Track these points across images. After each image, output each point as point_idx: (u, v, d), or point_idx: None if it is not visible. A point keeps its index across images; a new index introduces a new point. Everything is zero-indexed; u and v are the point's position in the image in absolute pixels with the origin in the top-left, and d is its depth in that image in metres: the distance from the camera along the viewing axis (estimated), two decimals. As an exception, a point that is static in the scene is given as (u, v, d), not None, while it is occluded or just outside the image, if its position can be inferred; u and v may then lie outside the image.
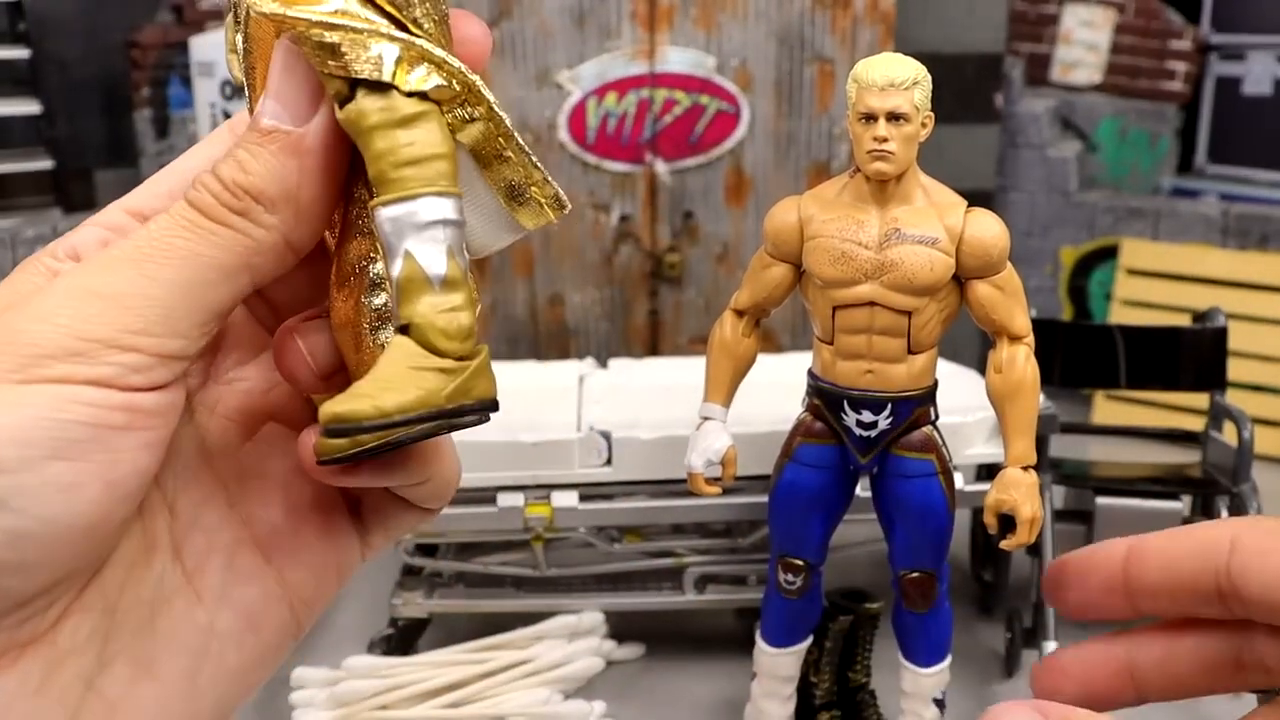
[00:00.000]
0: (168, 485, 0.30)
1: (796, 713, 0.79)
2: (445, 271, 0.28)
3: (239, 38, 0.31)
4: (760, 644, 0.76)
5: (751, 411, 0.82)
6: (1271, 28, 1.85)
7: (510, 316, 1.47)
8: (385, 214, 0.28)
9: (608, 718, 0.83)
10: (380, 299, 0.29)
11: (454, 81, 0.29)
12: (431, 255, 0.28)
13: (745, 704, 0.80)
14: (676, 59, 1.42)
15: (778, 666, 0.76)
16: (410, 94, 0.28)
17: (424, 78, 0.28)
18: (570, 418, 0.91)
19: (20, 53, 1.65)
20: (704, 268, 1.50)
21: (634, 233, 1.48)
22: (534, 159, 0.30)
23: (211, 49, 1.43)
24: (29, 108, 1.66)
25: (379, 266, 0.29)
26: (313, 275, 0.32)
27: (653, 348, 1.52)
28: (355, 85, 0.28)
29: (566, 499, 0.87)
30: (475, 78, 0.29)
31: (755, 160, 1.47)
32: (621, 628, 0.93)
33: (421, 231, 0.28)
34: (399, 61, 0.28)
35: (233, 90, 1.41)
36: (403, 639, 0.92)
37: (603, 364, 1.07)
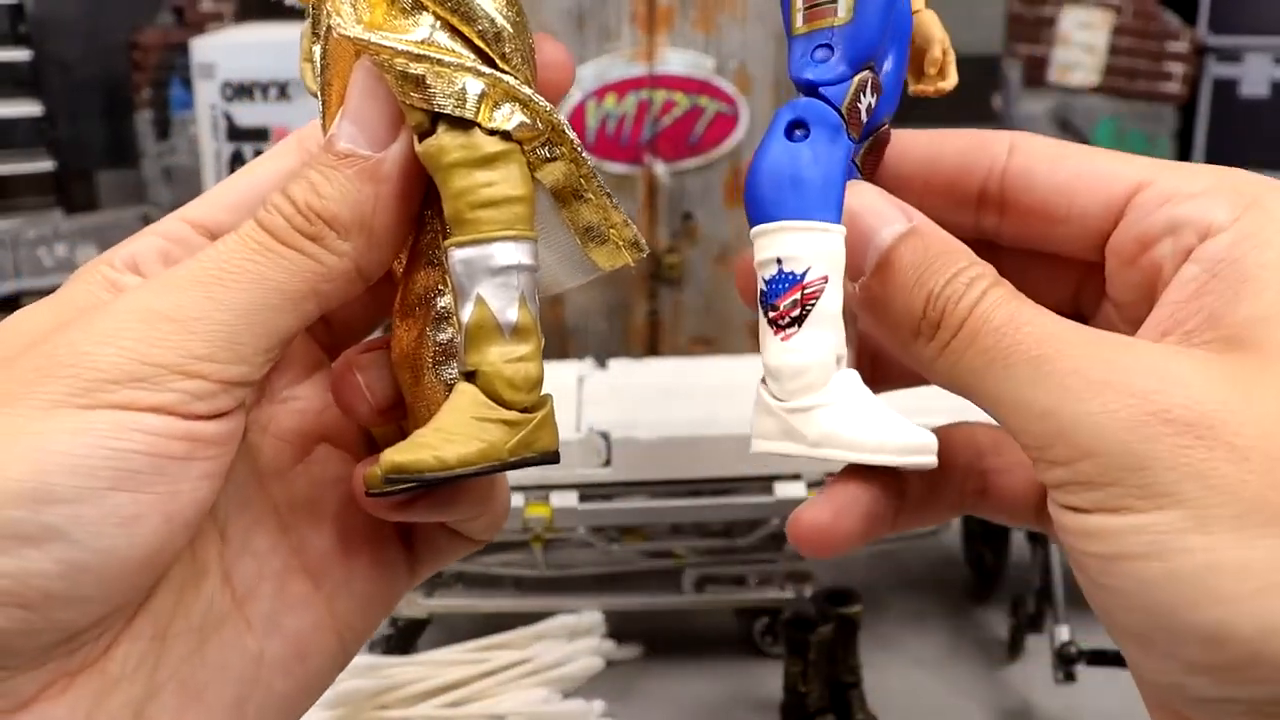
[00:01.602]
0: (219, 509, 0.29)
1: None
2: (516, 319, 0.28)
3: (317, 50, 0.29)
4: None
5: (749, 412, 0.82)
6: (1268, 29, 1.85)
7: (510, 317, 1.47)
8: (459, 255, 0.27)
9: (607, 717, 0.84)
10: (446, 334, 0.29)
11: (538, 121, 0.28)
12: (503, 301, 0.27)
13: (744, 704, 0.80)
14: (675, 60, 1.42)
15: None
16: (492, 132, 0.27)
17: (508, 116, 0.27)
18: (569, 418, 0.91)
19: (22, 54, 1.65)
20: (703, 268, 1.51)
21: (633, 234, 1.48)
22: (614, 200, 0.29)
23: (212, 50, 1.44)
24: (31, 109, 1.67)
25: (446, 299, 0.28)
26: (372, 294, 0.31)
27: (652, 348, 1.52)
28: (437, 119, 0.27)
29: (566, 499, 0.88)
30: (560, 117, 0.28)
31: (754, 162, 1.47)
32: (621, 627, 0.93)
33: (495, 276, 0.27)
34: (483, 98, 0.27)
35: (234, 92, 1.41)
36: (403, 639, 0.93)
37: (602, 364, 1.07)
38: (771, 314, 0.29)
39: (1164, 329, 0.27)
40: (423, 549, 0.34)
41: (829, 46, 0.30)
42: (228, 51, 1.42)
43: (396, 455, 0.26)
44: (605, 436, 0.88)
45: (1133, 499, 0.24)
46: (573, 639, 0.90)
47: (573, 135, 0.28)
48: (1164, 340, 0.27)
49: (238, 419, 0.27)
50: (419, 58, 0.27)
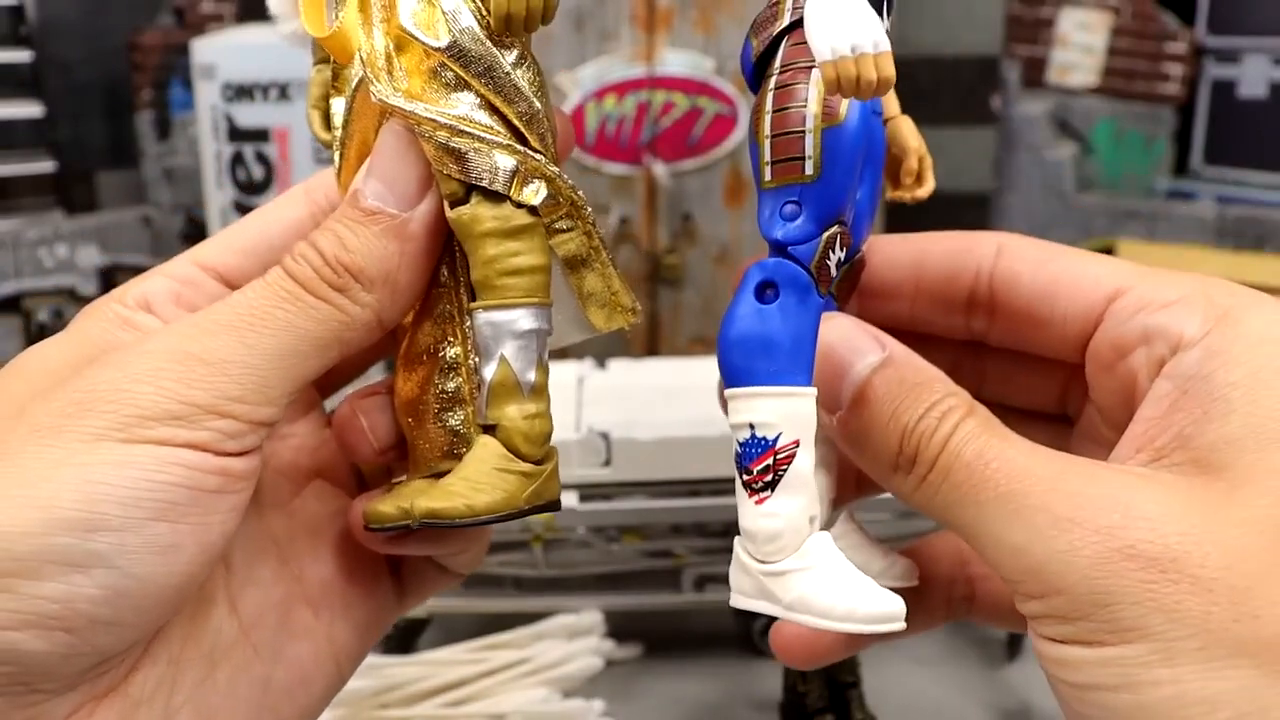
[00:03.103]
0: None
1: None
2: (535, 380, 0.30)
3: (338, 103, 0.31)
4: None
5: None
6: (1267, 30, 1.85)
7: (510, 318, 1.47)
8: (485, 318, 0.30)
9: (607, 717, 0.84)
10: (453, 383, 0.31)
11: (560, 196, 0.30)
12: (524, 363, 0.30)
13: (743, 704, 0.80)
14: (675, 61, 1.43)
15: None
16: (520, 205, 0.30)
17: (535, 191, 0.30)
18: (569, 418, 0.92)
19: (22, 56, 1.65)
20: (703, 269, 1.51)
21: (633, 234, 1.48)
22: (618, 270, 0.32)
23: (213, 51, 1.44)
24: (31, 110, 1.67)
25: (455, 350, 0.31)
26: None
27: (652, 349, 1.53)
28: (471, 189, 0.29)
29: (566, 499, 0.88)
30: (580, 194, 0.31)
31: (753, 162, 1.47)
32: (620, 627, 0.93)
33: (518, 339, 0.30)
34: (515, 174, 0.29)
35: (234, 93, 1.41)
36: (402, 639, 0.93)
37: (601, 365, 1.08)
38: (745, 478, 0.31)
39: (1138, 445, 0.28)
40: (410, 580, 0.36)
41: (797, 204, 0.30)
42: (228, 53, 1.42)
43: (431, 503, 0.29)
44: (605, 436, 0.88)
45: (1103, 633, 0.25)
46: (573, 639, 0.90)
47: (589, 210, 0.31)
48: (1138, 457, 0.28)
49: (260, 455, 0.29)
50: (461, 133, 0.29)
